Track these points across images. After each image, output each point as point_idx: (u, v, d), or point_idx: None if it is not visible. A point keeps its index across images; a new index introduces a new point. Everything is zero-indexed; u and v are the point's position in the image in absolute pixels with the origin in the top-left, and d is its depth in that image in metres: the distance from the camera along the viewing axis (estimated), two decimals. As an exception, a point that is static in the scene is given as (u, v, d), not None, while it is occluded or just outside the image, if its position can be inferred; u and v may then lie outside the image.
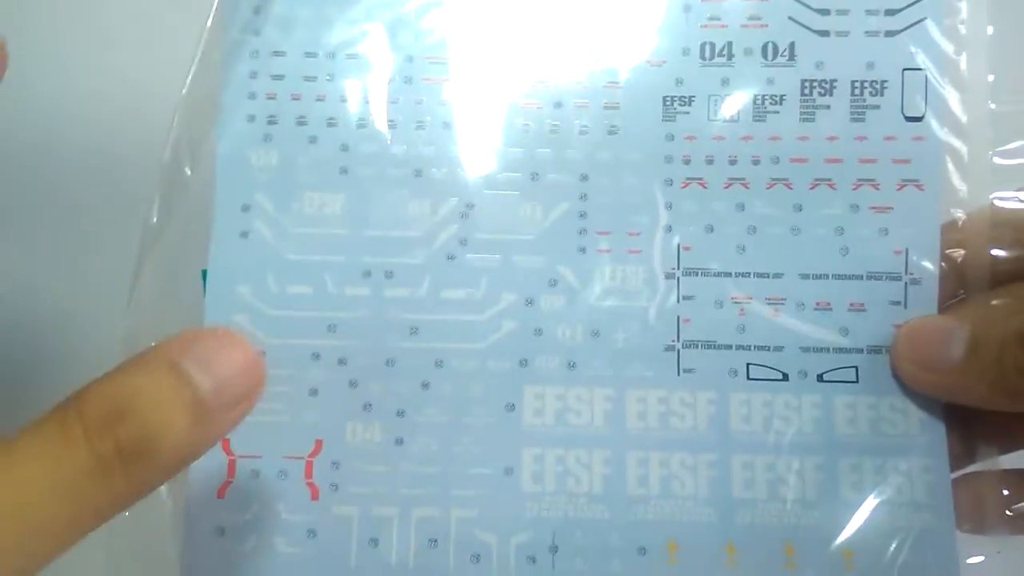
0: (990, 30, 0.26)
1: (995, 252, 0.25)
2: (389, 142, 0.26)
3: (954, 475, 0.25)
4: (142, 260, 0.25)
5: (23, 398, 0.33)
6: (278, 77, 0.26)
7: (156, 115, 0.26)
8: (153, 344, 0.17)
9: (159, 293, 0.25)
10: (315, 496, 0.25)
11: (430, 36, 0.27)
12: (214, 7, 0.26)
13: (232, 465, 0.25)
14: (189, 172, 0.26)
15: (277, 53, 0.27)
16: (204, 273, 0.26)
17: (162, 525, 0.25)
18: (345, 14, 0.27)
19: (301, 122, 0.26)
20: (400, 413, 0.25)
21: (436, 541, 0.24)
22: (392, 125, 0.26)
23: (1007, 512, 0.25)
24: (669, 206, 0.26)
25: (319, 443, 0.25)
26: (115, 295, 0.25)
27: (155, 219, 0.25)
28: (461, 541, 0.24)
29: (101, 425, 0.15)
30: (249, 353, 0.17)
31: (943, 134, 0.26)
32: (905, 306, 0.26)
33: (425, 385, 0.25)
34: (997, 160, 0.26)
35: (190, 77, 0.26)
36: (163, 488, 0.25)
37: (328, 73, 0.27)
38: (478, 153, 0.26)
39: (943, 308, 0.25)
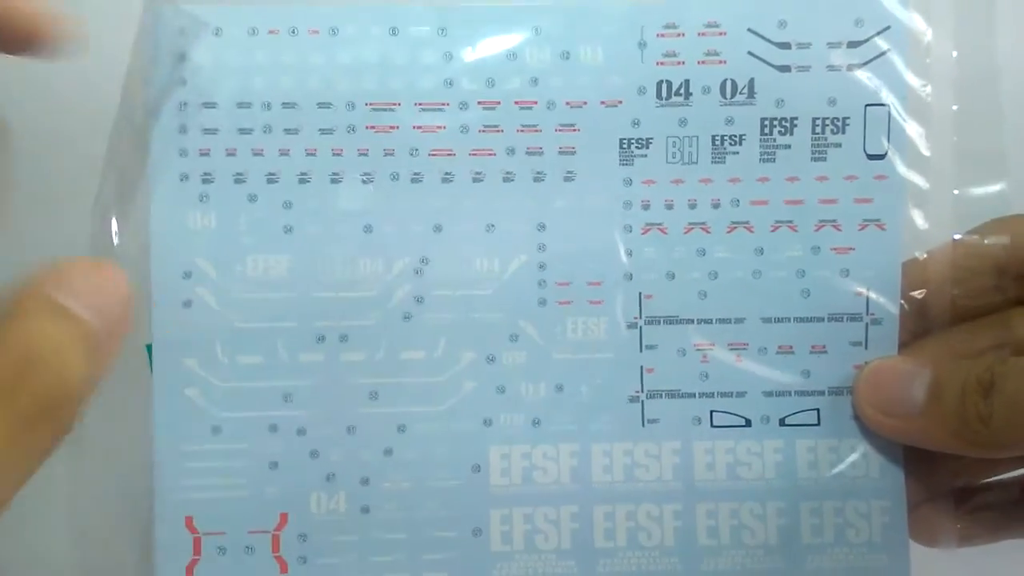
0: (955, 54, 0.26)
1: (956, 291, 0.25)
2: (335, 197, 0.25)
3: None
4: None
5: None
6: (210, 131, 0.25)
7: (81, 176, 0.24)
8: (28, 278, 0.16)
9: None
10: (284, 570, 0.25)
11: (372, 80, 0.25)
12: (129, 53, 0.24)
13: (197, 543, 0.24)
14: (117, 240, 0.24)
15: (207, 104, 0.25)
16: (149, 348, 0.25)
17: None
18: (278, 59, 0.25)
19: (239, 179, 0.25)
20: (364, 481, 0.25)
21: (408, 607, 0.25)
22: (336, 179, 0.25)
23: (957, 525, 0.26)
24: (629, 253, 0.25)
25: (284, 516, 0.25)
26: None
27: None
28: (433, 606, 0.25)
29: (15, 385, 0.15)
30: (117, 276, 0.17)
31: (905, 172, 0.25)
32: (866, 347, 0.26)
33: (388, 451, 0.25)
34: (960, 195, 0.25)
35: (112, 134, 0.24)
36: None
37: (264, 124, 0.25)
38: (430, 205, 0.25)
39: (904, 345, 0.26)
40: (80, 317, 0.16)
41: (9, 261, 0.27)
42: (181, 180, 0.25)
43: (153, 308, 0.24)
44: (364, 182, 0.25)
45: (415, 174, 0.25)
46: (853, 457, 0.25)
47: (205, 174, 0.25)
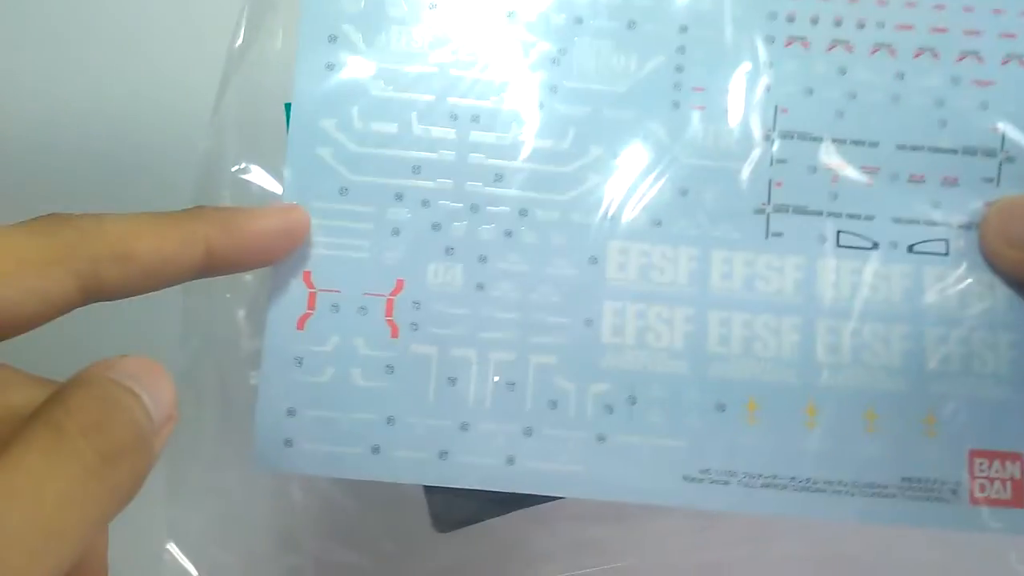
0: None
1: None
2: (482, -18, 0.25)
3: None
4: (226, 81, 0.24)
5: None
6: (371, -94, 0.25)
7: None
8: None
9: (241, 118, 0.24)
10: (395, 334, 0.24)
11: None
12: None
13: (312, 298, 0.24)
14: (273, -5, 0.25)
15: None
16: (287, 107, 0.25)
17: (238, 355, 0.24)
18: None
19: (393, -45, 0.25)
20: (482, 259, 0.25)
21: (514, 384, 0.24)
22: (487, -36, 0.25)
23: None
24: (770, 65, 0.25)
25: (400, 282, 0.25)
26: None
27: (240, 41, 0.24)
28: (539, 386, 0.24)
29: (99, 422, 0.15)
30: (167, 377, 0.18)
31: (1055, 7, 0.25)
32: (998, 184, 0.25)
33: (508, 233, 0.25)
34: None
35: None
36: (240, 315, 0.24)
37: (423, -95, 0.25)
38: (574, -1, 0.25)
39: (1039, 188, 0.25)
40: (140, 395, 0.17)
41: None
42: (337, -52, 0.25)
43: (297, 67, 0.25)
44: (514, -34, 0.25)
45: (564, -35, 0.25)
46: (980, 290, 0.25)
47: (360, -54, 0.25)
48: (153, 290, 0.19)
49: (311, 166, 0.25)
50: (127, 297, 0.19)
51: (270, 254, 0.23)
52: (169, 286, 0.20)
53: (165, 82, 0.30)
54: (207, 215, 0.21)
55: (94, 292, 0.18)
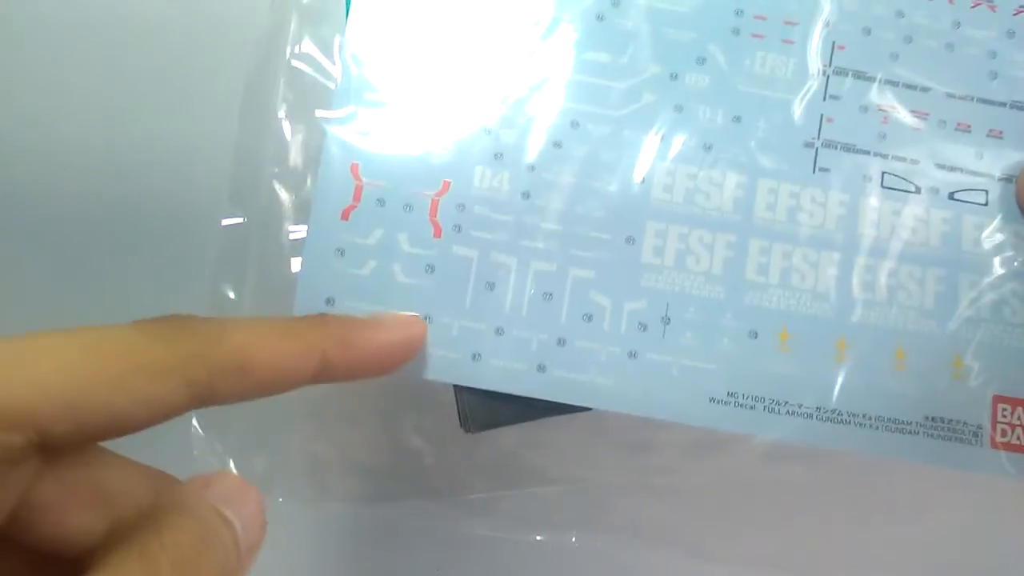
0: None
1: None
2: None
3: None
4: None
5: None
6: None
7: None
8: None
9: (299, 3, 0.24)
10: (438, 234, 0.24)
11: None
12: None
13: (359, 190, 0.24)
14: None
15: None
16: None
17: (280, 240, 0.24)
18: None
19: None
20: (530, 168, 0.25)
21: (551, 295, 0.24)
22: None
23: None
24: (830, 1, 0.25)
25: (447, 184, 0.24)
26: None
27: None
28: (575, 299, 0.24)
29: (197, 559, 0.16)
30: (259, 500, 0.18)
31: (1116, -31, 0.25)
32: (1042, 141, 0.25)
33: (557, 144, 0.25)
34: None
35: None
36: (285, 198, 0.24)
37: None
38: (642, -84, 0.25)
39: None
40: (234, 523, 0.17)
41: None
42: None
43: (358, -42, 0.25)
44: None
45: None
46: (1016, 241, 0.25)
47: None
48: (259, 398, 0.19)
49: (365, 59, 0.25)
50: (233, 403, 0.19)
51: (386, 368, 0.22)
52: (275, 395, 0.19)
53: None
54: (329, 328, 0.20)
55: (204, 400, 0.18)
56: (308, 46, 0.25)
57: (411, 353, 0.22)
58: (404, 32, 0.25)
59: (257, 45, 0.24)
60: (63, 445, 0.16)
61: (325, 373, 0.20)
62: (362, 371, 0.21)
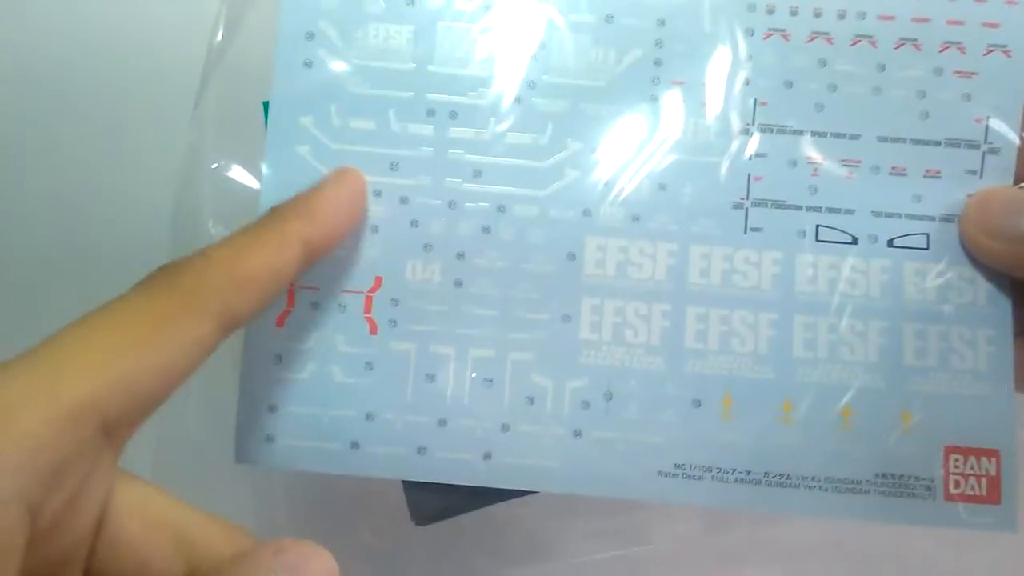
0: None
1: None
2: (460, -24, 0.25)
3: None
4: (206, 78, 0.24)
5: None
6: (347, -100, 0.25)
7: None
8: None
9: (221, 115, 0.25)
10: (373, 331, 0.25)
11: None
12: None
13: (291, 295, 0.25)
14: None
15: None
16: (266, 105, 0.25)
17: (223, 350, 0.24)
18: None
19: (369, -50, 0.25)
20: (460, 255, 0.25)
21: (492, 381, 0.24)
22: (464, -42, 0.25)
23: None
24: (749, 58, 0.25)
25: (379, 279, 0.25)
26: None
27: (219, 37, 0.24)
28: (516, 383, 0.24)
29: None
30: (331, 565, 0.18)
31: (1040, -4, 0.25)
32: (981, 176, 0.25)
33: (486, 229, 0.25)
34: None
35: None
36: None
37: (400, -101, 0.25)
38: (552, -7, 0.25)
39: (1020, 180, 0.25)
40: None
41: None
42: (315, -57, 0.25)
43: (275, 65, 0.25)
44: (490, -39, 0.25)
45: (541, -42, 0.25)
46: (961, 284, 0.24)
47: (337, -59, 0.25)
48: (271, 303, 0.20)
49: (290, 163, 0.25)
50: (254, 317, 0.20)
51: (351, 219, 0.23)
52: (280, 294, 0.21)
53: (146, 77, 0.30)
54: (287, 212, 0.22)
55: (230, 322, 0.19)
56: (231, 157, 0.25)
57: (361, 198, 0.24)
58: (323, 132, 0.25)
59: (180, 159, 0.24)
60: (127, 421, 0.17)
61: (308, 251, 0.21)
62: (335, 233, 0.22)
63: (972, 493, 0.23)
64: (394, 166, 0.25)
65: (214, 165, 0.25)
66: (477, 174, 0.25)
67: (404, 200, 0.25)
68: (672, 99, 0.25)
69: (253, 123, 0.25)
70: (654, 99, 0.25)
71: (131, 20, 0.30)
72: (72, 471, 0.16)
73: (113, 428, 0.17)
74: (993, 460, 0.24)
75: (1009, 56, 0.25)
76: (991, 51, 0.25)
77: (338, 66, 0.25)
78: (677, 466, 0.24)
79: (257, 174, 0.25)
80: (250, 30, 0.25)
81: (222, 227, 0.25)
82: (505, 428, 0.24)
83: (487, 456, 0.24)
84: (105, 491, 0.17)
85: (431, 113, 0.25)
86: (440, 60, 0.25)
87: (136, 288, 0.18)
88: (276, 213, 0.22)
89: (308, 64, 0.25)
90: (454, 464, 0.24)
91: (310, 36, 0.25)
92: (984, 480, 0.24)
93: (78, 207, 0.30)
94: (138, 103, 0.30)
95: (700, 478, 0.24)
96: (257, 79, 0.25)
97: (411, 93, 0.25)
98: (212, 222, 0.25)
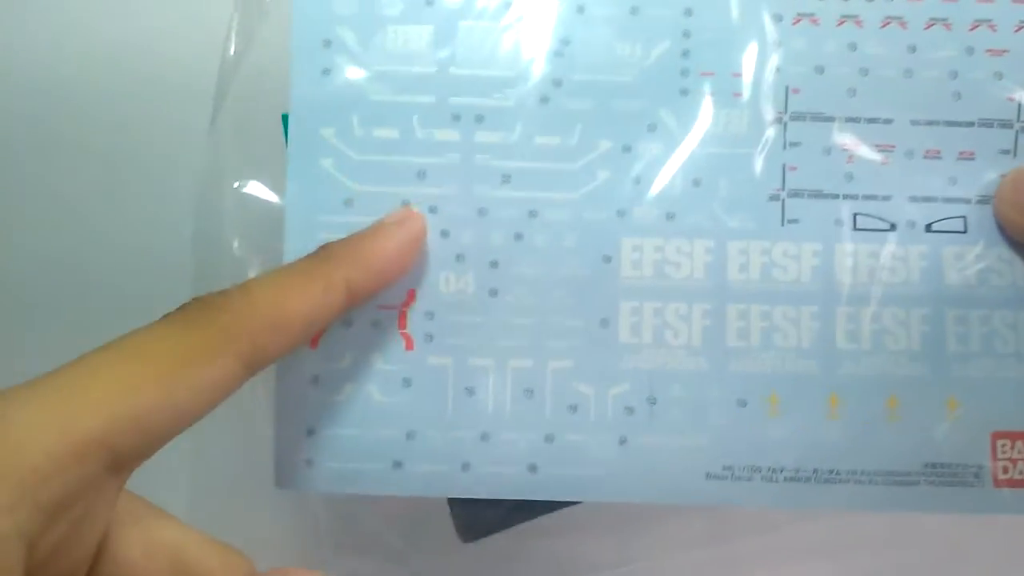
0: None
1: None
2: (477, -28, 0.24)
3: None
4: (221, 94, 0.23)
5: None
6: (356, -102, 0.24)
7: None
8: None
9: (239, 131, 0.24)
10: (409, 346, 0.24)
11: None
12: None
13: (323, 315, 0.24)
14: (268, -1, 0.24)
15: None
16: (285, 118, 0.24)
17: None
18: None
19: (382, -51, 0.24)
20: (494, 264, 0.24)
21: (532, 391, 0.24)
22: (481, -46, 0.24)
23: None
24: (778, 44, 0.24)
25: (412, 293, 0.24)
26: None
27: (232, 50, 0.23)
28: (558, 392, 0.24)
29: None
30: None
31: (1072, -31, 0.24)
32: (1015, 155, 0.24)
33: (519, 236, 0.24)
34: None
35: None
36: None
37: None
38: (573, -14, 0.24)
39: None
40: None
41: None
42: (324, -54, 0.24)
43: (292, 75, 0.24)
44: (509, -44, 0.24)
45: (561, -49, 0.24)
46: (1000, 266, 0.24)
47: (348, -58, 0.24)
48: (304, 342, 0.20)
49: (313, 178, 0.24)
50: (281, 357, 0.19)
51: (404, 270, 0.23)
52: (316, 333, 0.20)
53: (161, 94, 0.29)
54: (338, 255, 0.21)
55: (256, 364, 0.18)
56: (251, 174, 0.24)
57: (418, 245, 0.23)
58: (346, 143, 0.24)
59: (199, 179, 0.23)
60: (136, 456, 0.16)
61: (352, 298, 0.20)
62: (384, 283, 0.22)
63: (1020, 477, 0.23)
64: (421, 175, 0.24)
65: (235, 184, 0.24)
66: (507, 179, 0.24)
67: (434, 210, 0.24)
68: (702, 91, 0.24)
69: (273, 137, 0.24)
70: (684, 92, 0.24)
71: (140, 35, 0.29)
72: (75, 505, 0.15)
73: (121, 463, 0.16)
74: (1040, 443, 0.24)
75: (1041, 32, 0.24)
76: (1021, 28, 0.24)
77: (357, 73, 0.24)
78: (725, 468, 0.24)
79: (279, 190, 0.24)
80: (265, 40, 0.24)
81: (247, 247, 0.24)
82: (549, 439, 0.24)
83: (532, 468, 0.24)
84: (107, 519, 0.17)
85: (456, 118, 0.24)
86: (463, 61, 0.24)
87: (166, 319, 0.18)
88: (326, 254, 0.21)
89: (326, 72, 0.24)
90: (499, 478, 0.24)
91: (327, 43, 0.24)
92: (1032, 464, 0.24)
93: (98, 232, 0.29)
94: (153, 122, 0.29)
95: (749, 479, 0.24)
96: (275, 91, 0.24)
97: (434, 98, 0.24)
98: (237, 242, 0.24)
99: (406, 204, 0.24)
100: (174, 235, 0.25)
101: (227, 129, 0.24)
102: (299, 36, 0.24)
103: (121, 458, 0.16)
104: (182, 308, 0.18)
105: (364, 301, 0.21)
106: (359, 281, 0.21)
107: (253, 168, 0.24)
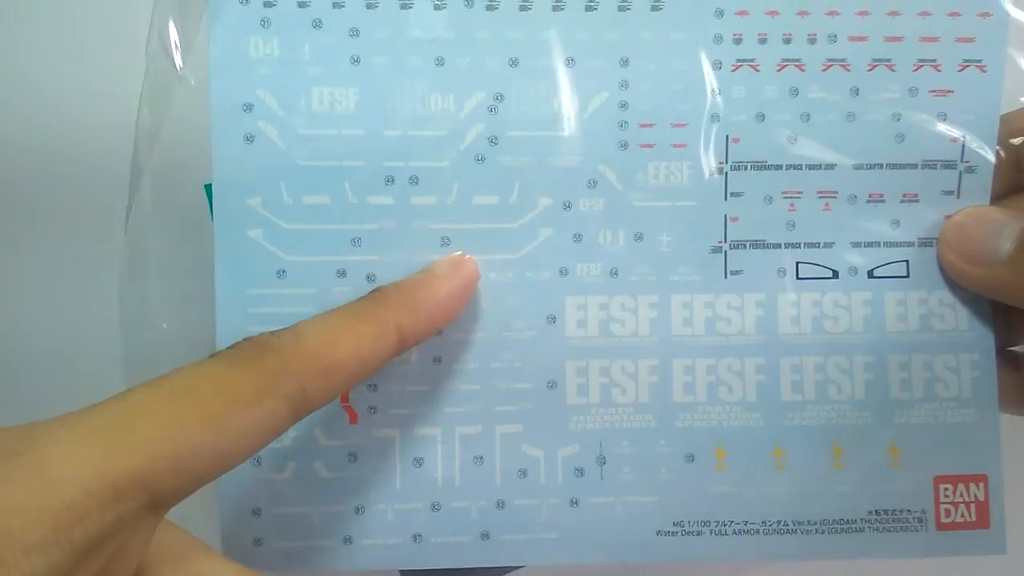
0: None
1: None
2: (405, 24, 0.23)
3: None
4: (138, 169, 0.22)
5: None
6: (270, -50, 0.23)
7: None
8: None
9: (160, 208, 0.22)
10: (353, 420, 0.24)
11: None
12: None
13: (261, 393, 0.23)
14: (181, 65, 0.22)
15: (267, -80, 0.23)
16: (208, 188, 0.23)
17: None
18: None
19: (302, 3, 0.23)
20: (437, 331, 0.24)
21: (482, 458, 0.24)
22: (406, 5, 0.23)
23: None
24: (717, 92, 0.24)
25: (352, 365, 0.23)
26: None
27: (146, 121, 0.22)
28: (507, 457, 0.24)
29: None
30: None
31: (1012, 8, 0.24)
32: (958, 196, 0.24)
33: (460, 298, 0.24)
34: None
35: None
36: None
37: (329, -56, 0.23)
38: (506, 36, 0.23)
39: (997, 199, 0.24)
40: None
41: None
42: (241, 2, 0.23)
43: (213, 143, 0.23)
44: (436, 8, 0.23)
45: (490, 1, 0.23)
46: (942, 310, 0.24)
47: (265, -2, 0.23)
48: (354, 386, 0.20)
49: (242, 250, 0.23)
50: (329, 403, 0.19)
51: (454, 316, 0.22)
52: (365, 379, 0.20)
53: (72, 175, 0.27)
54: (391, 299, 0.21)
55: (304, 407, 0.18)
56: (176, 250, 0.23)
57: (471, 291, 0.23)
58: (275, 212, 0.23)
59: (122, 261, 0.22)
60: (175, 496, 0.16)
61: (403, 343, 0.20)
62: (434, 328, 0.22)
63: (962, 520, 0.24)
64: (356, 242, 0.23)
65: (159, 265, 0.23)
66: (446, 242, 0.24)
67: (371, 278, 0.24)
68: (641, 143, 0.24)
69: (197, 210, 0.23)
70: (623, 145, 0.24)
71: (47, 110, 0.27)
72: (109, 543, 0.15)
73: (159, 502, 0.16)
74: (981, 485, 0.24)
75: (984, 71, 0.24)
76: (966, 67, 0.24)
77: (282, 138, 0.23)
78: (676, 524, 0.24)
79: (208, 264, 0.23)
80: (182, 108, 0.22)
81: (177, 327, 0.23)
82: (500, 505, 0.24)
83: (485, 536, 0.24)
84: (141, 556, 0.16)
85: (390, 181, 0.23)
86: (393, 122, 0.23)
87: (216, 358, 0.17)
88: (380, 298, 0.20)
89: (249, 139, 0.23)
90: (452, 548, 0.24)
91: (248, 107, 0.23)
92: (973, 506, 0.24)
93: (24, 320, 0.27)
94: (68, 205, 0.27)
95: (699, 533, 0.24)
96: (195, 161, 0.22)
97: (365, 161, 0.23)
98: (167, 324, 0.23)
99: (341, 273, 0.23)
100: (101, 320, 0.24)
101: (147, 210, 0.22)
102: (218, 101, 0.23)
103: (159, 497, 0.15)
104: (232, 347, 0.18)
105: (412, 346, 0.21)
106: (410, 326, 0.20)
107: (177, 244, 0.23)
